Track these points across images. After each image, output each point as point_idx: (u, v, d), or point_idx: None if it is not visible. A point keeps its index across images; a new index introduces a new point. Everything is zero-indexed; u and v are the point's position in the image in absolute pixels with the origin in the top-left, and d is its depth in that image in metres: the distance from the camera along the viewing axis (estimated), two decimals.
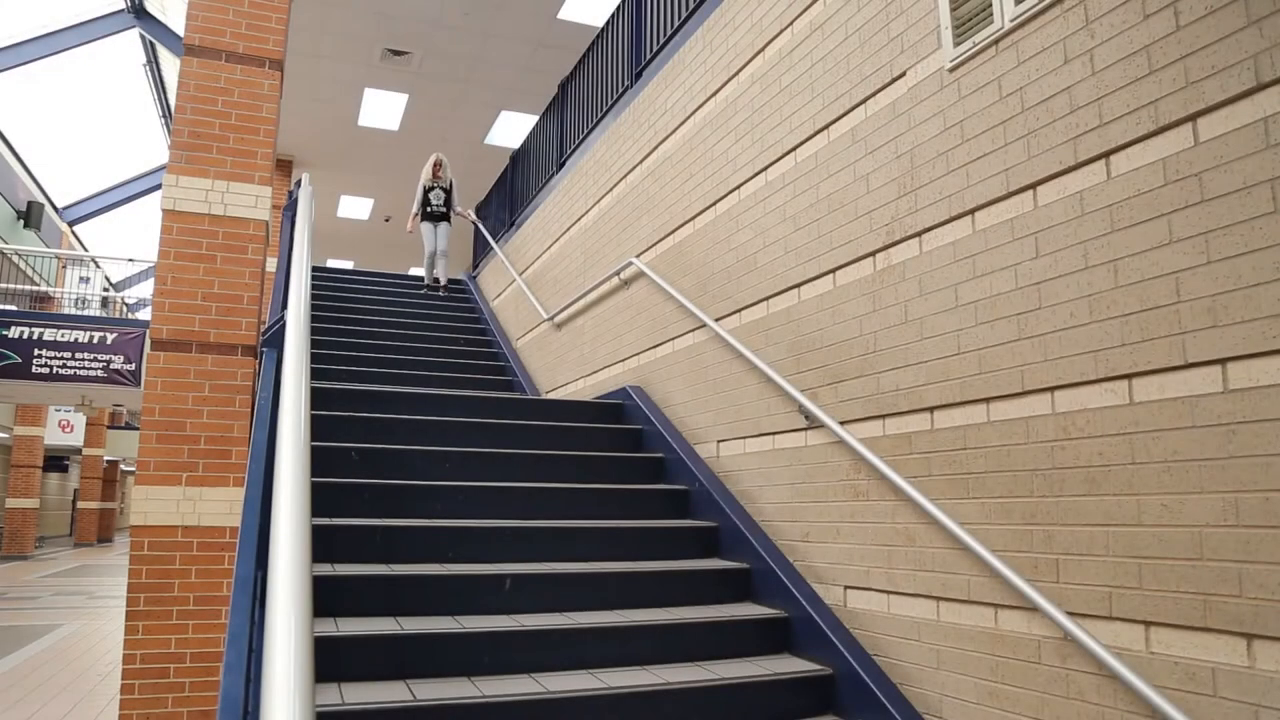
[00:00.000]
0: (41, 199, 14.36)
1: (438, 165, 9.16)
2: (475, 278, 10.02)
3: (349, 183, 13.92)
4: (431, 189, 9.07)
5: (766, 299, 3.77)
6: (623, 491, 4.11)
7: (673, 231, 4.76)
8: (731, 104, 4.23)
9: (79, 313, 13.32)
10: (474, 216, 9.93)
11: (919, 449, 2.79)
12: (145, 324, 10.18)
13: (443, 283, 9.05)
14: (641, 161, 5.29)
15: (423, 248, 9.15)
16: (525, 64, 10.02)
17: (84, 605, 11.27)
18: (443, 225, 9.05)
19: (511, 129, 11.67)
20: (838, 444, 3.17)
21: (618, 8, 6.14)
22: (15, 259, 12.89)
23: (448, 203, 9.12)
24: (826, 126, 3.45)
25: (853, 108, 3.29)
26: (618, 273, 5.33)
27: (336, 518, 3.37)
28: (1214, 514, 1.91)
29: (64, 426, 21.31)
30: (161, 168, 14.04)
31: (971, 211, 2.67)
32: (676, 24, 5.07)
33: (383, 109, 11.28)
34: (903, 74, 3.03)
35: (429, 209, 9.05)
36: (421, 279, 9.49)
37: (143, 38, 11.84)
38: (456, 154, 12.58)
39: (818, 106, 3.51)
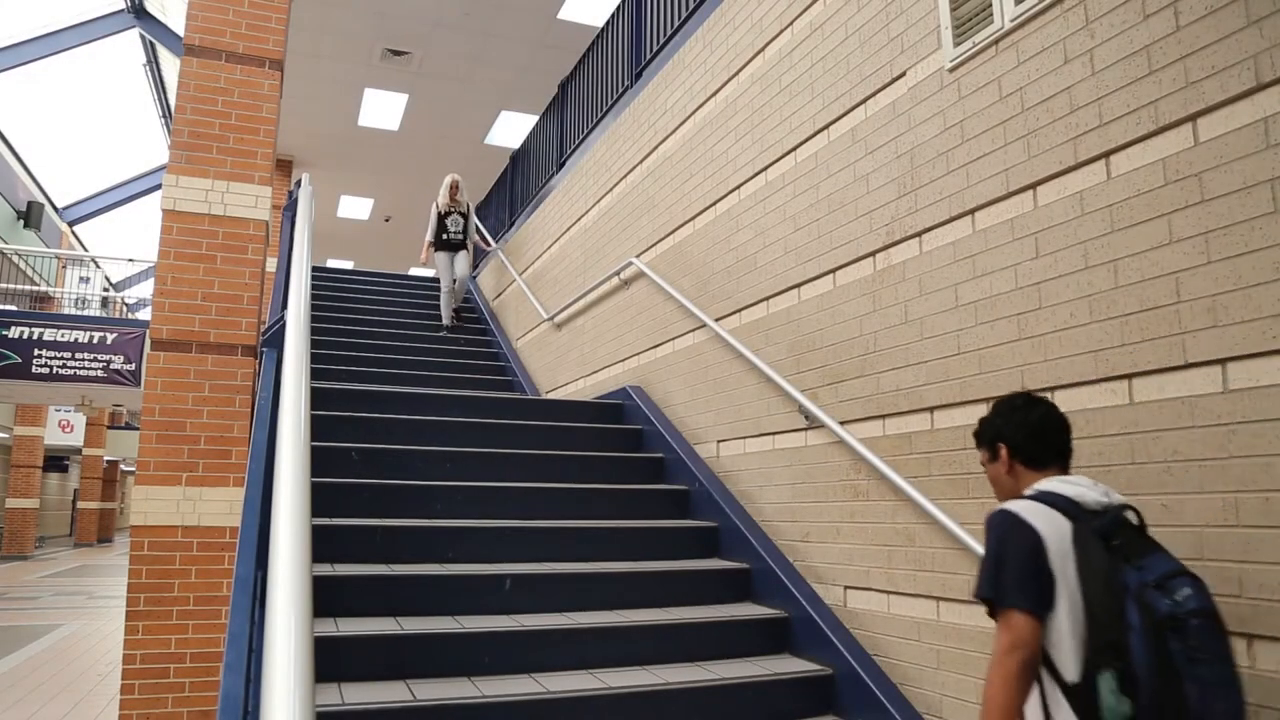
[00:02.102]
0: (41, 199, 14.35)
1: (454, 188, 8.10)
2: (475, 278, 10.02)
3: (349, 183, 13.92)
4: (448, 214, 8.03)
5: (766, 299, 3.76)
6: (623, 491, 4.11)
7: (673, 231, 4.76)
8: (731, 104, 4.23)
9: (79, 313, 13.32)
10: (495, 245, 8.85)
11: (919, 449, 2.79)
12: (145, 324, 10.17)
13: (446, 320, 7.94)
14: (641, 161, 5.29)
15: (439, 280, 8.13)
16: (525, 64, 10.02)
17: (84, 605, 11.27)
18: (461, 254, 8.02)
19: (511, 129, 11.67)
20: (838, 444, 3.17)
21: (618, 8, 6.14)
22: (15, 259, 12.89)
23: (466, 229, 8.10)
24: (826, 126, 3.45)
25: (853, 108, 3.29)
26: (618, 273, 5.33)
27: (336, 518, 3.37)
28: (1214, 514, 1.91)
29: (64, 426, 21.30)
30: (161, 168, 14.04)
31: (971, 211, 2.67)
32: (676, 24, 5.06)
33: (383, 109, 11.28)
34: (903, 74, 3.03)
35: (446, 237, 7.99)
36: (434, 304, 8.34)
37: (143, 38, 11.84)
38: (456, 154, 12.58)
39: (818, 106, 3.51)
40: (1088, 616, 1.50)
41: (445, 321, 7.90)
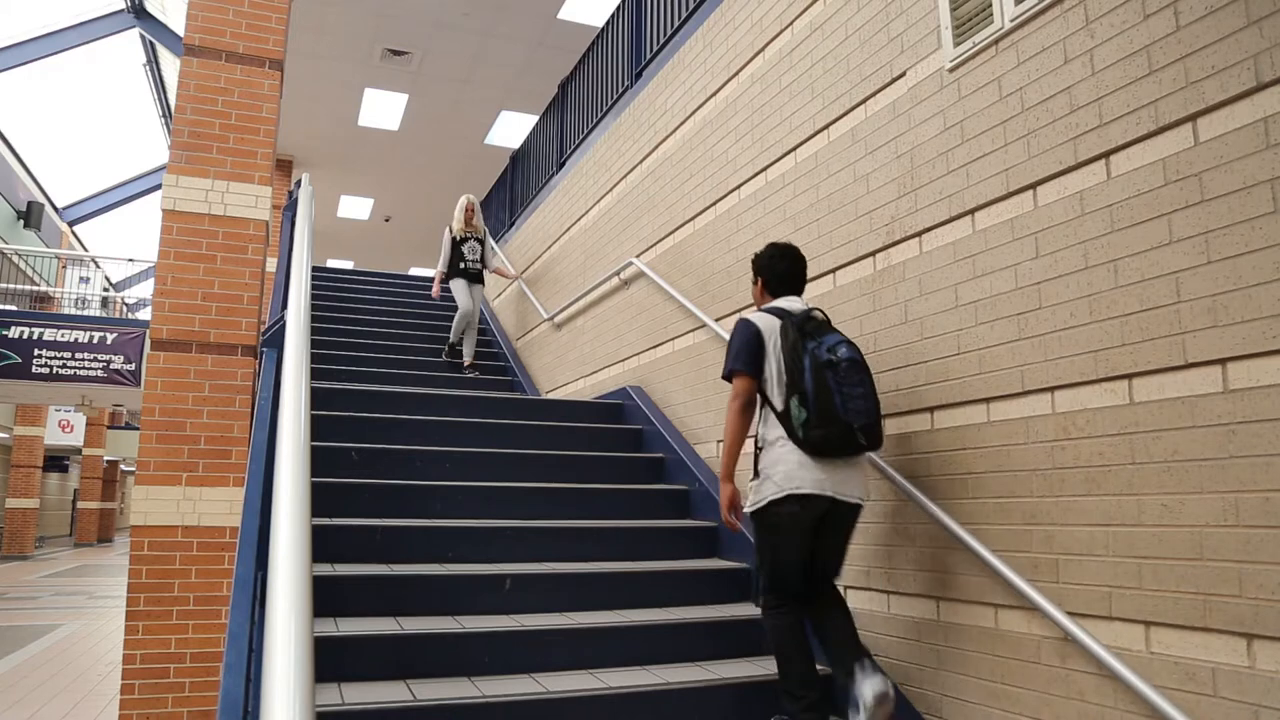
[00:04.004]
0: (41, 199, 14.36)
1: (470, 209, 7.12)
2: None
3: (349, 183, 13.93)
4: (464, 241, 7.04)
5: None
6: (623, 491, 4.11)
7: (673, 231, 4.76)
8: (731, 104, 4.23)
9: (79, 313, 13.32)
10: (514, 272, 7.83)
11: (919, 449, 2.79)
12: (145, 324, 10.17)
13: (467, 361, 6.91)
14: (641, 161, 5.29)
15: (456, 308, 6.98)
16: (525, 64, 10.02)
17: (84, 605, 11.27)
18: (477, 287, 7.03)
19: (511, 129, 11.67)
20: None
21: (618, 8, 6.14)
22: (15, 259, 12.89)
23: (484, 256, 7.16)
24: (826, 126, 3.44)
25: (853, 108, 3.29)
26: (618, 273, 5.33)
27: (336, 518, 3.37)
28: (1214, 514, 1.91)
29: (64, 426, 21.30)
30: (161, 168, 14.05)
31: (971, 211, 2.67)
32: (676, 24, 5.06)
33: (383, 109, 11.28)
34: (903, 74, 3.03)
35: (463, 266, 6.99)
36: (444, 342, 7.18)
37: (143, 38, 11.84)
38: (456, 154, 12.58)
39: (818, 106, 3.51)
40: (786, 370, 2.56)
41: (452, 345, 6.95)
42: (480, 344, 8.07)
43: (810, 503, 2.49)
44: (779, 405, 2.56)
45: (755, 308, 2.86)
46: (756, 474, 2.62)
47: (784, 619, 2.57)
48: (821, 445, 2.47)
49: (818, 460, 2.49)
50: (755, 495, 2.59)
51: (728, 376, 2.68)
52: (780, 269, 2.83)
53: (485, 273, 7.23)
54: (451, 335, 7.00)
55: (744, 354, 2.64)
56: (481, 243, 7.17)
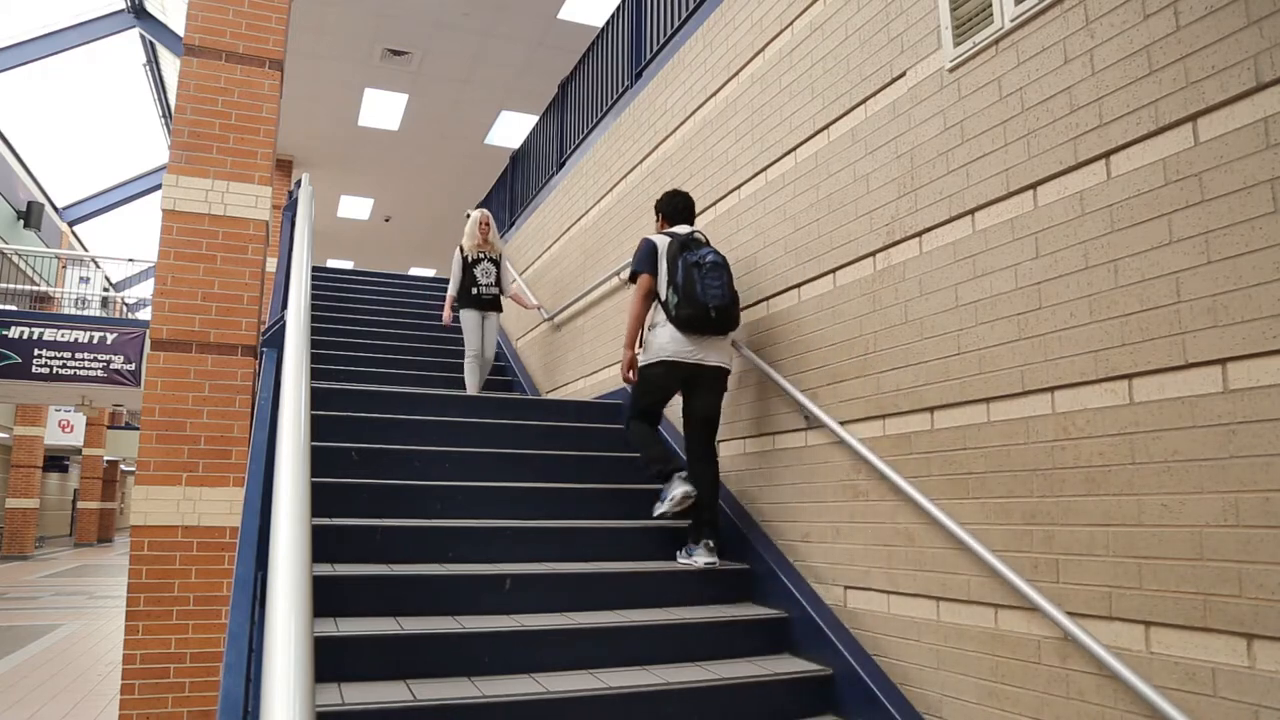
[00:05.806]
0: (41, 199, 14.36)
1: (485, 225, 6.24)
2: None
3: (349, 183, 13.93)
4: (477, 262, 6.16)
5: (767, 299, 3.76)
6: (622, 491, 4.11)
7: None
8: (731, 104, 4.23)
9: (79, 313, 13.32)
10: (536, 301, 6.83)
11: (919, 449, 2.79)
12: (145, 324, 10.17)
13: (474, 394, 5.77)
14: (641, 161, 5.29)
15: (464, 342, 6.13)
16: (525, 64, 10.03)
17: (84, 605, 11.28)
18: (492, 317, 6.18)
19: (511, 129, 11.67)
20: (838, 444, 3.17)
21: (618, 8, 6.14)
22: (15, 259, 12.89)
23: (500, 280, 6.26)
24: (826, 126, 3.45)
25: (853, 108, 3.29)
26: (618, 272, 5.32)
27: (336, 518, 3.37)
28: (1214, 514, 1.91)
29: (64, 426, 21.31)
30: (161, 168, 14.05)
31: (971, 211, 2.67)
32: (676, 24, 5.06)
33: (383, 109, 11.28)
34: (903, 74, 3.03)
35: (476, 290, 6.10)
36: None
37: (143, 38, 11.85)
38: (456, 154, 12.59)
39: (818, 106, 3.51)
40: (668, 271, 3.52)
41: (471, 395, 5.63)
42: None
43: (674, 367, 3.50)
44: (663, 296, 3.54)
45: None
46: (643, 346, 3.66)
47: (642, 424, 3.69)
48: (688, 322, 3.42)
49: (686, 335, 3.45)
50: (640, 359, 3.66)
51: (632, 278, 3.65)
52: (674, 204, 3.86)
53: (502, 299, 6.34)
54: (467, 385, 6.03)
55: (645, 260, 3.62)
56: (497, 264, 6.26)
